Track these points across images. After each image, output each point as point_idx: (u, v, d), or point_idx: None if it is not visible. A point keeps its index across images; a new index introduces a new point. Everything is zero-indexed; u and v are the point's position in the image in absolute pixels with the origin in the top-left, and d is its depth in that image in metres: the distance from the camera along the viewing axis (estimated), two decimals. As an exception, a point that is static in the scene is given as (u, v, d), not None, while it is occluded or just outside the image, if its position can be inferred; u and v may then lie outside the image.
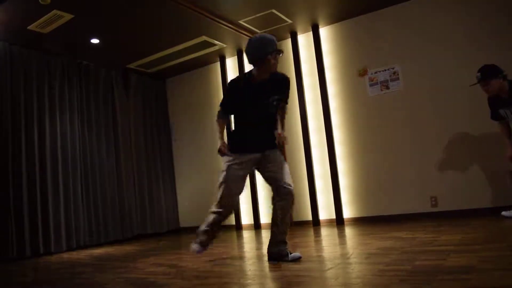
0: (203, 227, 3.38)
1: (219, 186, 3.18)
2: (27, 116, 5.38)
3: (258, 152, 3.17)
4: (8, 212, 5.00)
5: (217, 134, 3.26)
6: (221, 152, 3.18)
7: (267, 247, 3.21)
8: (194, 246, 3.31)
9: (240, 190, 3.24)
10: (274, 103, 3.13)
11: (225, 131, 3.29)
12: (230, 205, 3.27)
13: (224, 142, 3.19)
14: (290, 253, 3.08)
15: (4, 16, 4.73)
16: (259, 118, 3.15)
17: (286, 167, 3.26)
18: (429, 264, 2.39)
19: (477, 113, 4.72)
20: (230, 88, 3.20)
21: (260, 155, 3.18)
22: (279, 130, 3.22)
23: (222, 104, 3.27)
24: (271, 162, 3.19)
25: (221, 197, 3.19)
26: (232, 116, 3.36)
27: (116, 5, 4.80)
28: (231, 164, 3.13)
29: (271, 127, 3.24)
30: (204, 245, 3.34)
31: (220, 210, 3.25)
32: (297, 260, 3.01)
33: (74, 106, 5.98)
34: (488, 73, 3.94)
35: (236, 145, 3.19)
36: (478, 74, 3.99)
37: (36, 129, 5.42)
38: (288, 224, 3.30)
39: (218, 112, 3.27)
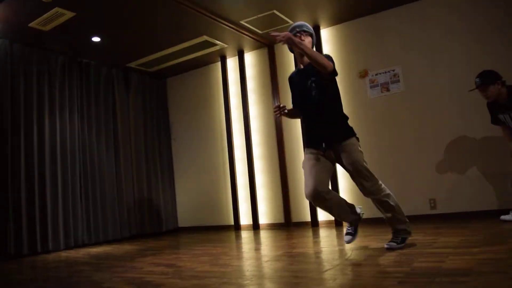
0: None
1: None
2: (27, 114, 5.38)
3: (321, 147, 3.11)
4: (6, 210, 4.99)
5: None
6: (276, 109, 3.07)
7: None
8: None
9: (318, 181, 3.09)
10: (313, 84, 3.05)
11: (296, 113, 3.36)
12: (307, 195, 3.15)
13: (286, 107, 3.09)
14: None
15: (6, 14, 4.73)
16: (308, 106, 3.12)
17: (360, 165, 3.16)
18: (428, 266, 2.39)
19: (477, 116, 4.72)
20: (289, 81, 3.35)
21: (328, 150, 3.12)
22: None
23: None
24: (344, 156, 3.13)
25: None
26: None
27: (117, 4, 4.79)
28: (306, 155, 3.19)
29: (330, 117, 3.12)
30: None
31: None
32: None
33: (74, 105, 5.98)
34: (486, 79, 3.98)
35: (305, 139, 3.21)
36: (477, 80, 4.03)
37: (35, 126, 5.42)
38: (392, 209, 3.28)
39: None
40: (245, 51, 6.56)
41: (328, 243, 4.03)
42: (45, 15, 4.81)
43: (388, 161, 5.35)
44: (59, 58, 5.87)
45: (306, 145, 3.25)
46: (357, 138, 3.21)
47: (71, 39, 5.57)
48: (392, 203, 3.20)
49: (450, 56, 5.04)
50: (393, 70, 5.38)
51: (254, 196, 6.28)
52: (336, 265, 2.72)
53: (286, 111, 3.09)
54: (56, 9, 4.69)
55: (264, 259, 3.37)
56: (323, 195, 3.09)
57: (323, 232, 4.93)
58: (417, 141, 5.18)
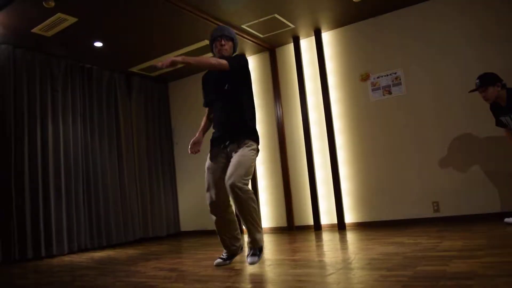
0: None
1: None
2: (30, 118, 5.40)
3: (221, 145, 3.26)
4: (10, 215, 5.00)
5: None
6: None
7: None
8: None
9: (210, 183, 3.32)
10: (224, 79, 3.17)
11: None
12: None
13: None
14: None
15: (8, 19, 4.75)
16: (219, 106, 3.27)
17: (240, 161, 3.04)
18: (431, 270, 2.38)
19: (480, 118, 4.72)
20: (202, 81, 3.54)
21: (224, 148, 3.23)
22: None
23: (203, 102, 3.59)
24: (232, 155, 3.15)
25: None
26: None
27: (119, 9, 4.81)
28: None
29: (235, 115, 3.19)
30: None
31: None
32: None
33: (77, 109, 5.99)
34: (486, 80, 4.02)
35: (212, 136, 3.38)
36: (477, 81, 4.07)
37: (38, 131, 5.43)
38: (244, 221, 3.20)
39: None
40: (246, 55, 6.57)
41: (331, 247, 4.03)
42: (48, 21, 4.83)
43: (390, 164, 5.34)
44: (62, 63, 5.89)
45: (214, 144, 3.42)
46: (258, 150, 3.29)
47: (73, 44, 5.59)
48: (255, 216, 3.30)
49: (452, 58, 5.04)
50: (395, 73, 5.39)
51: (257, 200, 6.26)
52: (340, 269, 2.72)
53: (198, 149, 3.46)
54: (58, 14, 4.72)
55: (267, 263, 3.37)
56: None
57: (326, 236, 4.92)
58: (420, 144, 5.18)
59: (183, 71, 7.04)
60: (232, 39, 3.28)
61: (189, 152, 3.38)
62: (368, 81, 5.57)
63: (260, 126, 6.39)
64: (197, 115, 7.13)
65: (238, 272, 3.03)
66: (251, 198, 3.04)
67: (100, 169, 6.15)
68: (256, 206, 3.10)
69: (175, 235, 7.10)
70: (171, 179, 7.29)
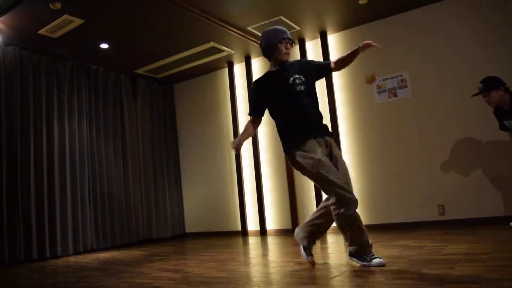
0: None
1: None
2: (36, 119, 5.43)
3: (318, 136, 2.94)
4: (16, 215, 5.03)
5: (242, 134, 3.11)
6: (233, 146, 3.03)
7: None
8: None
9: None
10: (297, 81, 2.99)
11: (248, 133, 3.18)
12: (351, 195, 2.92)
13: (240, 140, 3.06)
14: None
15: (15, 21, 4.79)
16: (295, 104, 2.98)
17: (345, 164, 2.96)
18: (437, 273, 2.37)
19: (485, 121, 4.69)
20: (256, 88, 3.13)
21: (322, 139, 2.96)
22: (358, 48, 3.09)
23: (251, 111, 3.15)
24: (333, 152, 2.95)
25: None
26: (275, 120, 3.16)
27: (125, 11, 4.84)
28: (303, 156, 2.87)
29: (314, 108, 3.05)
30: None
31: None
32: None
33: (83, 110, 6.02)
34: (489, 84, 4.01)
35: (293, 139, 2.98)
36: (480, 85, 4.06)
37: (44, 132, 5.47)
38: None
39: (249, 120, 3.17)
40: (252, 57, 6.58)
41: (335, 249, 4.02)
42: (54, 23, 4.87)
43: (396, 166, 5.33)
44: (68, 64, 5.92)
45: (306, 138, 2.91)
46: None
47: (79, 46, 5.62)
48: None
49: (458, 61, 5.03)
50: (401, 76, 5.38)
51: (261, 202, 6.28)
52: (344, 272, 2.71)
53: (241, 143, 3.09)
54: (65, 16, 4.75)
55: (272, 265, 3.37)
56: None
57: (330, 238, 4.91)
58: (425, 146, 5.16)
59: (188, 73, 7.05)
60: (293, 43, 3.14)
61: (235, 150, 3.05)
62: (374, 83, 5.56)
63: (266, 127, 6.39)
64: (203, 116, 7.17)
65: (242, 274, 3.03)
66: None
67: (106, 170, 6.18)
68: None
69: (180, 237, 7.11)
70: (176, 180, 7.30)
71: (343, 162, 2.97)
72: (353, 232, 2.80)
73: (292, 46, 3.10)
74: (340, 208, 2.75)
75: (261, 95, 3.11)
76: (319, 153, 2.84)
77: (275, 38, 3.02)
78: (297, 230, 3.14)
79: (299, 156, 2.89)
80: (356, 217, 2.81)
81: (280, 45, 3.02)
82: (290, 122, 3.02)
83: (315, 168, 2.79)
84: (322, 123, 3.10)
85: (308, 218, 3.11)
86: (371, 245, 2.89)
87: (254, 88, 3.16)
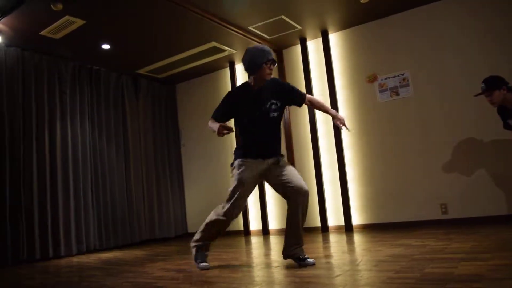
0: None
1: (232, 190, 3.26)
2: (38, 120, 5.44)
3: (263, 159, 3.22)
4: (19, 215, 5.05)
5: (211, 129, 3.24)
6: (219, 131, 3.11)
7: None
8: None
9: (248, 194, 3.34)
10: (273, 107, 3.20)
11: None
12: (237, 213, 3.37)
13: (221, 124, 3.14)
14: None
15: (17, 22, 4.80)
16: (260, 125, 3.21)
17: (295, 170, 3.31)
18: (439, 272, 2.37)
19: (488, 119, 4.69)
20: (227, 97, 3.31)
21: (266, 163, 3.22)
22: (333, 113, 3.31)
23: (214, 115, 3.31)
24: (281, 168, 3.22)
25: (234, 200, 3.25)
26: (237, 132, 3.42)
27: (127, 11, 4.84)
28: (242, 169, 3.22)
29: (276, 134, 3.30)
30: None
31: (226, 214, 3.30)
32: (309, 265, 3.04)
33: (85, 111, 6.03)
34: (491, 84, 3.97)
35: (243, 152, 3.27)
36: (482, 85, 4.04)
37: (47, 133, 5.48)
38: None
39: (210, 120, 3.31)
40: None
41: (338, 248, 4.02)
42: (55, 24, 4.87)
43: (398, 165, 5.32)
44: (70, 65, 5.93)
45: (245, 156, 3.24)
46: None
47: (81, 47, 5.63)
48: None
49: (460, 60, 5.02)
50: (402, 75, 5.37)
51: (264, 201, 6.28)
52: (346, 271, 2.71)
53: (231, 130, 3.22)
54: (66, 17, 4.75)
55: (274, 264, 3.37)
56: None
57: (333, 238, 4.91)
58: (428, 145, 5.15)
59: (190, 73, 7.06)
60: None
61: (220, 133, 3.14)
62: (376, 82, 5.56)
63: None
64: (204, 116, 7.14)
65: (245, 274, 3.04)
66: None
67: (108, 170, 6.19)
68: None
69: (182, 236, 7.12)
70: (178, 180, 7.30)
71: (294, 170, 3.29)
72: (208, 234, 3.45)
73: (274, 67, 3.23)
74: (223, 216, 3.28)
75: (231, 107, 3.27)
76: (247, 175, 3.20)
77: (261, 58, 3.12)
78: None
79: (236, 165, 3.28)
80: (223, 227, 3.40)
81: (265, 66, 3.13)
82: (250, 143, 3.28)
83: (233, 182, 3.27)
84: (276, 147, 3.31)
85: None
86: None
87: (226, 97, 3.32)
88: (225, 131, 3.10)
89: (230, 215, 3.25)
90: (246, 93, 3.24)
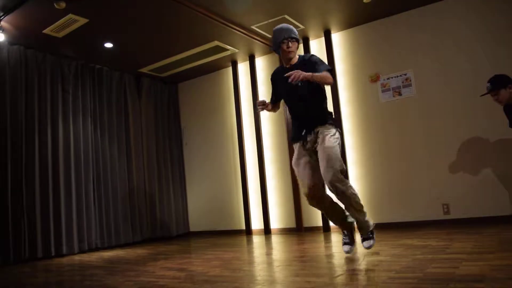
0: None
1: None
2: (41, 118, 5.45)
3: (304, 139, 3.21)
4: (21, 214, 5.06)
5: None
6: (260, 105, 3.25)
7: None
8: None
9: (307, 179, 3.19)
10: (300, 84, 3.13)
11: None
12: (305, 194, 3.24)
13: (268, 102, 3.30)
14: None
15: (20, 21, 4.81)
16: (295, 103, 3.25)
17: (332, 152, 3.03)
18: (441, 272, 2.37)
19: (491, 119, 4.68)
20: (271, 78, 3.46)
21: (309, 140, 3.19)
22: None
23: (271, 99, 3.46)
24: (319, 145, 3.13)
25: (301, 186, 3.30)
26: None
27: (130, 10, 4.85)
28: (295, 154, 3.30)
29: (314, 110, 3.22)
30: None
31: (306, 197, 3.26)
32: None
33: (87, 109, 6.04)
34: (497, 83, 3.97)
35: (291, 134, 3.37)
36: (488, 84, 4.03)
37: (49, 131, 5.49)
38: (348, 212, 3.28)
39: None
40: (256, 56, 6.58)
41: (339, 248, 4.01)
42: (58, 22, 4.88)
43: (400, 165, 5.32)
44: (72, 63, 5.94)
45: (292, 139, 3.35)
46: (340, 132, 3.26)
47: (84, 45, 5.64)
48: (358, 201, 3.16)
49: (462, 59, 5.01)
50: (405, 74, 5.36)
51: (266, 201, 6.28)
52: (348, 270, 2.71)
53: (269, 107, 3.32)
54: (69, 15, 4.76)
55: (276, 264, 3.37)
56: (322, 194, 3.23)
57: (334, 237, 4.91)
58: (430, 145, 5.15)
59: (192, 72, 7.06)
60: (297, 40, 3.26)
61: (260, 108, 3.26)
62: (378, 82, 5.55)
63: (269, 126, 6.41)
64: (207, 115, 7.18)
65: (247, 273, 3.04)
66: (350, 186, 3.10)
67: (110, 169, 6.20)
68: (355, 192, 3.14)
69: (184, 235, 7.13)
70: (180, 179, 7.31)
71: (326, 148, 3.06)
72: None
73: (295, 43, 3.21)
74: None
75: (274, 86, 3.43)
76: (295, 159, 3.30)
77: (278, 38, 3.20)
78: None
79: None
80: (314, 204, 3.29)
81: (283, 45, 3.18)
82: (292, 117, 3.38)
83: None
84: (318, 117, 3.21)
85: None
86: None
87: (271, 78, 3.48)
88: (260, 107, 3.25)
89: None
90: (280, 71, 3.30)
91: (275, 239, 5.34)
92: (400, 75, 5.40)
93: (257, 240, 5.41)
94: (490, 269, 2.32)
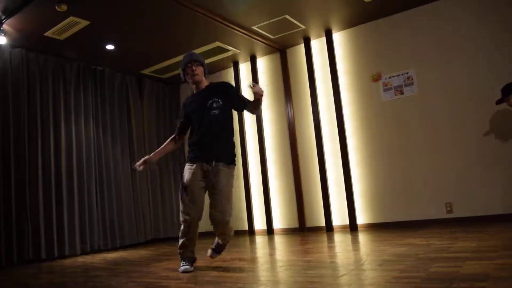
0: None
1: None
2: (43, 121, 5.47)
3: (204, 162, 3.24)
4: (24, 216, 5.07)
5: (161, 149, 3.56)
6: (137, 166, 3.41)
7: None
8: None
9: (197, 201, 3.31)
10: (214, 105, 3.25)
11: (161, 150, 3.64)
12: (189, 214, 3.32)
13: (148, 157, 3.48)
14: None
15: (22, 23, 4.82)
16: (205, 125, 3.26)
17: (227, 191, 3.28)
18: (444, 271, 2.36)
19: (492, 117, 4.67)
20: (182, 107, 3.54)
21: (207, 166, 3.24)
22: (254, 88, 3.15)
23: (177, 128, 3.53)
24: (216, 177, 3.24)
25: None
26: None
27: (131, 12, 4.85)
28: (189, 173, 3.28)
29: (222, 136, 3.29)
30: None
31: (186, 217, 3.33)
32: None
33: (89, 111, 6.05)
34: (508, 90, 4.18)
35: (189, 154, 3.36)
36: (501, 93, 4.19)
37: (52, 133, 5.50)
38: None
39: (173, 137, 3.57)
40: (257, 56, 6.58)
41: (343, 248, 4.01)
42: (60, 24, 4.90)
43: (402, 164, 5.31)
44: (74, 65, 5.96)
45: (193, 160, 3.31)
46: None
47: (85, 47, 5.65)
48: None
49: (464, 58, 5.00)
50: (407, 73, 5.35)
51: (268, 201, 6.28)
52: (351, 270, 2.71)
53: (145, 164, 3.45)
54: (71, 18, 4.77)
55: (279, 264, 3.37)
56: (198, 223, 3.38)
57: (337, 237, 4.90)
58: (432, 144, 5.14)
59: (194, 73, 7.06)
60: (201, 64, 3.42)
61: (138, 168, 3.44)
62: (380, 81, 5.54)
63: (271, 126, 6.40)
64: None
65: (250, 273, 3.04)
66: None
67: (113, 170, 6.21)
68: None
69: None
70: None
71: (223, 192, 3.27)
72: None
73: (199, 67, 3.38)
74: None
75: (185, 115, 3.46)
76: (189, 179, 3.26)
77: (182, 66, 3.44)
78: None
79: (185, 168, 3.34)
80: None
81: (187, 70, 3.39)
82: (195, 141, 3.33)
83: (180, 185, 3.35)
84: (224, 150, 3.30)
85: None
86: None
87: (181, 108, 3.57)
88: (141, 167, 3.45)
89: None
90: (191, 98, 3.48)
91: (278, 239, 5.34)
92: (402, 74, 5.39)
93: (260, 241, 5.41)
94: (494, 268, 2.31)
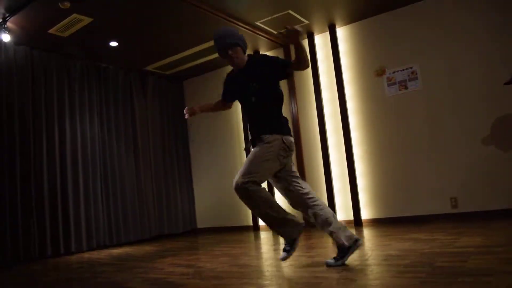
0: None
1: None
2: (48, 118, 5.48)
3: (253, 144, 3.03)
4: (30, 213, 5.10)
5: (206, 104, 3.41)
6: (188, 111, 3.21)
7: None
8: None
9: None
10: (251, 90, 3.00)
11: (211, 106, 3.44)
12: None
13: (199, 106, 3.29)
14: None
15: (25, 21, 4.83)
16: (246, 109, 3.10)
17: (252, 159, 2.92)
18: (449, 266, 2.37)
19: (497, 112, 4.65)
20: (224, 80, 3.33)
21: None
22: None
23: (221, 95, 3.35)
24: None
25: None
26: None
27: (134, 9, 4.85)
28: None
29: (264, 117, 3.01)
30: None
31: None
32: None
33: (94, 108, 6.07)
34: None
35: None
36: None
37: (56, 130, 5.52)
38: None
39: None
40: (260, 52, 6.57)
41: (347, 243, 4.01)
42: (63, 22, 4.90)
43: (407, 159, 5.30)
44: (78, 63, 5.97)
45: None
46: (284, 140, 2.95)
47: (89, 44, 5.66)
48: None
49: (469, 52, 4.96)
50: (411, 68, 5.33)
51: (272, 196, 6.27)
52: (356, 265, 2.71)
53: (195, 110, 3.24)
54: (74, 15, 4.78)
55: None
56: (247, 187, 2.96)
57: (342, 232, 4.89)
58: (437, 139, 5.12)
59: (197, 69, 7.07)
60: (236, 44, 3.18)
61: (188, 114, 3.24)
62: (384, 76, 5.52)
63: (275, 122, 6.39)
64: (213, 112, 7.17)
65: (255, 269, 3.05)
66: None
67: (117, 167, 6.23)
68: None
69: (191, 232, 7.16)
70: (187, 176, 7.33)
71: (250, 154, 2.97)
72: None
73: (233, 51, 3.16)
74: None
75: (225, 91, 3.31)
76: None
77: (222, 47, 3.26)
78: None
79: None
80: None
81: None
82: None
83: None
84: (262, 129, 2.98)
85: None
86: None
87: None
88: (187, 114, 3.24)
89: None
90: (231, 77, 3.29)
91: (283, 234, 5.34)
92: (406, 69, 5.37)
93: (264, 236, 5.42)
94: (499, 262, 2.31)
